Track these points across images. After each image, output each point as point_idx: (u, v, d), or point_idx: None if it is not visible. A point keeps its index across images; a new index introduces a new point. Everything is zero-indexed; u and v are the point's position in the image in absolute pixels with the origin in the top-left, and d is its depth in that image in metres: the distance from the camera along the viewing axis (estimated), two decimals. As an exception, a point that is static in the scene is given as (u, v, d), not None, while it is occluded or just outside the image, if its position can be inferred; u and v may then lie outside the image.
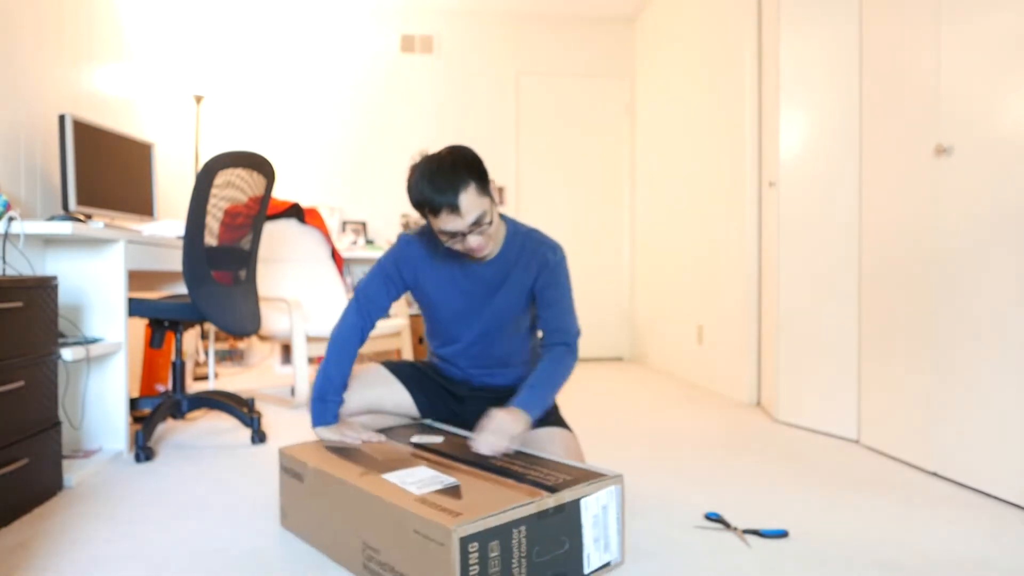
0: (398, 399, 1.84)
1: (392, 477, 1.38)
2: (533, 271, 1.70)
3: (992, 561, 1.47)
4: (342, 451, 1.58)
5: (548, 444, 1.67)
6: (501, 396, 1.82)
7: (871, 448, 2.44)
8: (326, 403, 1.66)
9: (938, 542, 1.58)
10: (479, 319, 1.73)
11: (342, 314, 1.73)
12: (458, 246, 1.57)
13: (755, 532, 1.60)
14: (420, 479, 1.37)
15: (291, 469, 1.58)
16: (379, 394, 1.82)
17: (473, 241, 1.55)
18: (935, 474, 2.11)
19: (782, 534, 1.59)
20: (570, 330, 1.70)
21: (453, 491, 1.28)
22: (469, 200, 1.50)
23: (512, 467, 1.44)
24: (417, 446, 1.61)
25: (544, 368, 1.64)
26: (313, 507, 1.50)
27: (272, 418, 2.90)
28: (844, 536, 1.61)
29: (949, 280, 2.03)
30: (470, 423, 1.82)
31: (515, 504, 1.21)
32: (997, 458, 1.88)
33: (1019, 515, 1.76)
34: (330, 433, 1.65)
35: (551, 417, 1.77)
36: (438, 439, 1.66)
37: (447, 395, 1.87)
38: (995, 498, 1.89)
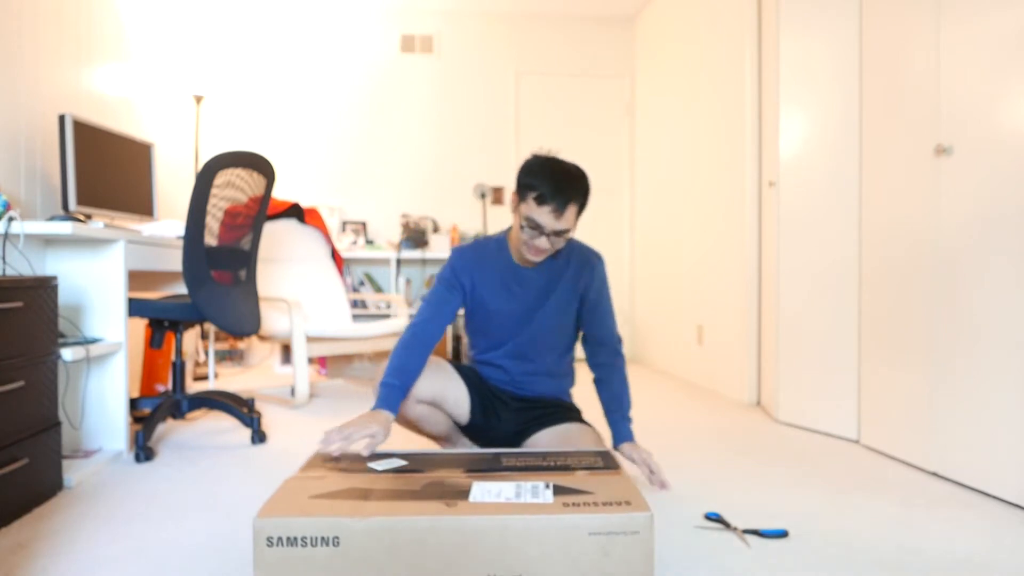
0: (459, 397, 1.86)
1: (482, 497, 1.22)
2: (584, 279, 1.84)
3: (992, 561, 1.47)
4: (349, 493, 1.25)
5: (579, 439, 1.78)
6: (540, 407, 1.89)
7: (871, 448, 2.43)
8: (390, 388, 1.66)
9: (938, 542, 1.58)
10: (530, 322, 1.83)
11: (415, 316, 1.80)
12: (528, 237, 1.68)
13: (755, 532, 1.60)
14: (510, 491, 1.26)
15: (305, 537, 1.12)
16: (445, 387, 1.83)
17: (544, 243, 1.68)
18: (935, 474, 2.11)
19: (782, 534, 1.59)
20: (615, 335, 1.89)
21: (567, 491, 1.26)
22: (571, 213, 1.65)
23: (549, 462, 1.46)
24: (383, 471, 1.40)
25: (618, 392, 1.84)
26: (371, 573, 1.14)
27: (272, 418, 2.90)
28: (844, 536, 1.61)
29: (949, 280, 2.03)
30: (507, 435, 1.87)
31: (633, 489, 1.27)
32: (997, 458, 1.88)
33: (1019, 515, 1.76)
34: (356, 419, 1.56)
35: (574, 416, 1.89)
36: (401, 462, 1.46)
37: (497, 402, 1.90)
38: (995, 498, 1.89)
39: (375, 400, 1.67)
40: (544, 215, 1.63)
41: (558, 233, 1.66)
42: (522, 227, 1.68)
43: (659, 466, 1.72)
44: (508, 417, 1.88)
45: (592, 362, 1.91)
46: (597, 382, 1.89)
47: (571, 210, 1.64)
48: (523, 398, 1.91)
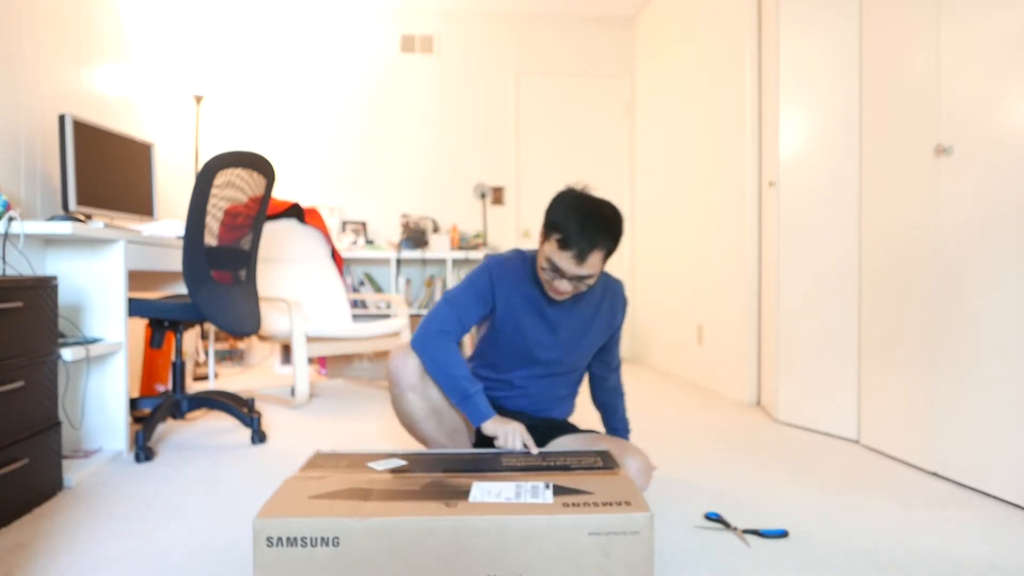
0: (459, 425, 1.80)
1: (482, 498, 1.22)
2: (620, 313, 1.84)
3: (992, 561, 1.47)
4: (349, 493, 1.25)
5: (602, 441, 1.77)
6: (549, 424, 1.86)
7: (871, 448, 2.43)
8: (471, 398, 1.60)
9: (938, 542, 1.58)
10: (563, 351, 1.77)
11: (426, 320, 1.68)
12: (548, 277, 1.60)
13: (755, 532, 1.60)
14: (510, 491, 1.25)
15: (305, 537, 1.12)
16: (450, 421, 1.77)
17: (565, 285, 1.59)
18: (935, 474, 2.11)
19: (782, 534, 1.59)
20: (619, 360, 1.96)
21: (568, 491, 1.26)
22: (595, 259, 1.55)
23: (549, 462, 1.46)
24: (383, 471, 1.40)
25: (622, 414, 1.96)
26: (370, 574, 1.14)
27: (272, 418, 2.90)
28: (844, 536, 1.61)
29: (949, 280, 2.03)
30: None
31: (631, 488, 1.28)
32: (997, 458, 1.88)
33: (1019, 515, 1.76)
34: (495, 427, 1.56)
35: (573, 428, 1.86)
36: (401, 462, 1.46)
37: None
38: (995, 498, 1.89)
39: (470, 415, 1.60)
40: (565, 260, 1.53)
41: (580, 278, 1.57)
42: (543, 268, 1.59)
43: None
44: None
45: (600, 385, 1.95)
46: (603, 403, 1.96)
47: (596, 256, 1.53)
48: (533, 417, 1.86)
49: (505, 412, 1.83)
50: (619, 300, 1.84)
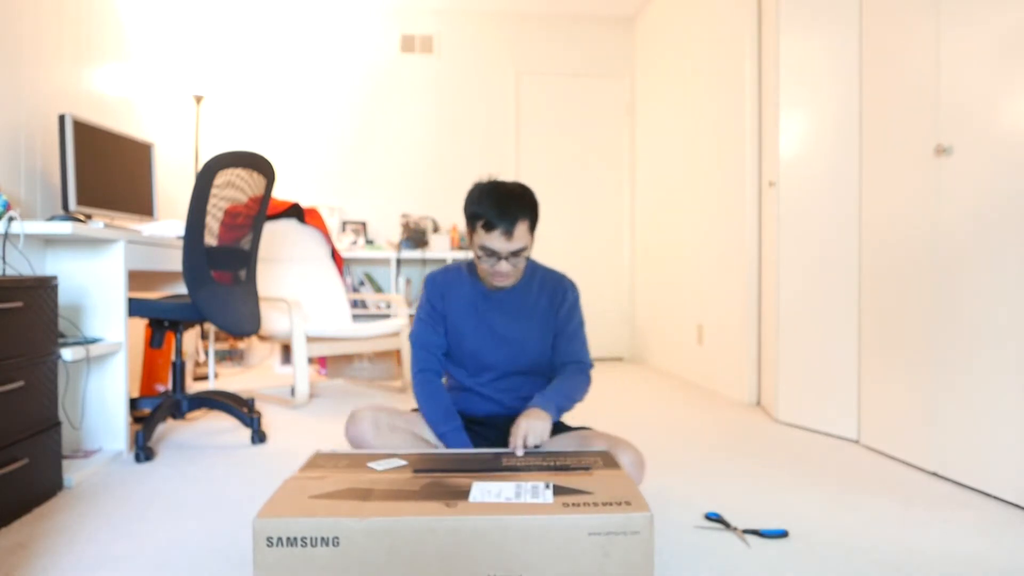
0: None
1: (482, 498, 1.22)
2: (557, 305, 1.85)
3: (992, 561, 1.47)
4: (349, 493, 1.26)
5: (594, 440, 1.74)
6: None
7: (871, 448, 2.43)
8: (444, 436, 1.71)
9: (938, 542, 1.58)
10: (509, 348, 1.81)
11: (411, 365, 1.82)
12: (488, 266, 1.70)
13: (755, 532, 1.60)
14: (510, 491, 1.26)
15: (305, 537, 1.12)
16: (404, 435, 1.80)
17: (505, 267, 1.68)
18: (935, 474, 2.11)
19: (782, 534, 1.59)
20: (585, 360, 1.84)
21: (567, 491, 1.26)
22: (521, 231, 1.65)
23: (549, 462, 1.45)
24: (383, 471, 1.41)
25: (560, 381, 1.77)
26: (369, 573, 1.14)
27: (272, 418, 2.90)
28: (844, 536, 1.61)
29: (949, 280, 2.03)
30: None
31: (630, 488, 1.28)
32: (997, 458, 1.88)
33: (1019, 515, 1.76)
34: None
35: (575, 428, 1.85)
36: (401, 462, 1.48)
37: (484, 429, 1.85)
38: (995, 498, 1.89)
39: (446, 446, 1.70)
40: (495, 240, 1.64)
41: (515, 253, 1.67)
42: (479, 257, 1.69)
43: (526, 437, 1.59)
44: (501, 437, 1.81)
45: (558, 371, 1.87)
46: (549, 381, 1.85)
47: (521, 228, 1.65)
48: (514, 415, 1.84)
49: (477, 419, 1.84)
50: (559, 293, 1.84)
